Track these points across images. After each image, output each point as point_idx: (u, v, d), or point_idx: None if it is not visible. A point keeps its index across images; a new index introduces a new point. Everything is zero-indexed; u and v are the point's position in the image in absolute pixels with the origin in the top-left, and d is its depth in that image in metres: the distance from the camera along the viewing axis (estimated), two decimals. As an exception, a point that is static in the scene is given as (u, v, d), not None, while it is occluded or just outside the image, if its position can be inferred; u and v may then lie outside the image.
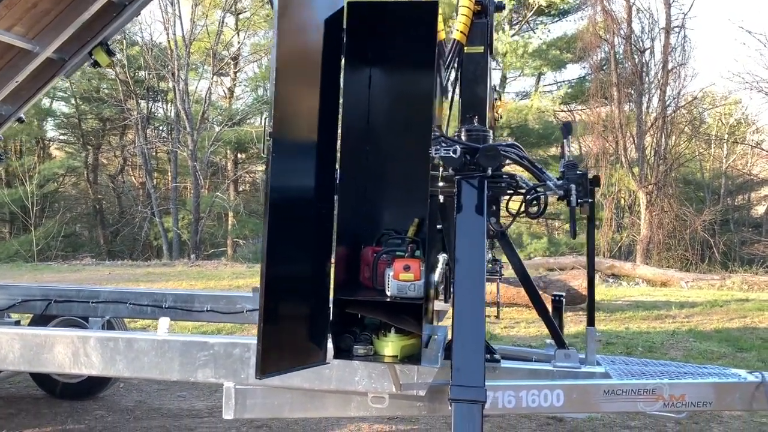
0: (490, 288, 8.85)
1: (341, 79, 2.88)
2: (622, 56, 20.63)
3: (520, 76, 25.59)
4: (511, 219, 4.02)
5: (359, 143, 3.02)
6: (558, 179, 3.78)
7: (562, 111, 25.45)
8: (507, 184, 3.85)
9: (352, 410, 3.39)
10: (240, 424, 4.71)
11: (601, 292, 12.10)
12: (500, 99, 6.48)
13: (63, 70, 5.29)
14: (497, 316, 9.15)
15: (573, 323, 8.91)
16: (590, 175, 3.73)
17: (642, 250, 18.51)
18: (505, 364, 3.89)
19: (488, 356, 3.84)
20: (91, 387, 5.23)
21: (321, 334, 2.82)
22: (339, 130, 2.89)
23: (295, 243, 2.61)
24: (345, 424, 4.76)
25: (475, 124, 3.95)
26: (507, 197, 3.93)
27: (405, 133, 3.11)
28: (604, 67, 21.08)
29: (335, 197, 2.86)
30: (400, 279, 2.94)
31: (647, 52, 20.42)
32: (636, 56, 20.27)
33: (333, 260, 2.96)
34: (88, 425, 4.79)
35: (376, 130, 3.07)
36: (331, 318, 2.87)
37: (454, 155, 2.91)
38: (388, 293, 2.95)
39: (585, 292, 9.43)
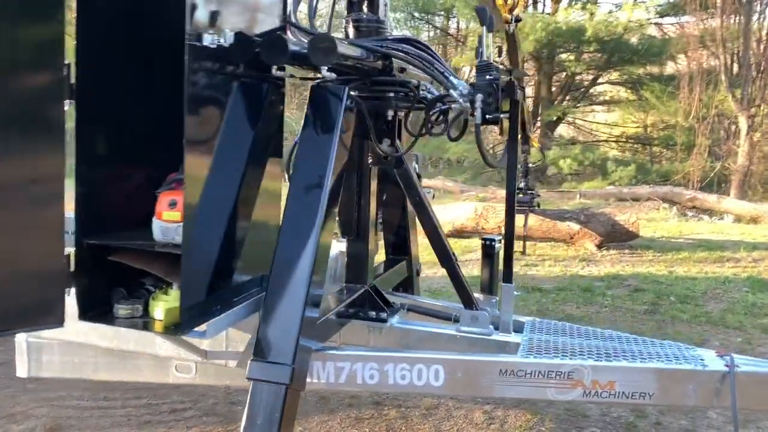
0: (519, 221, 7.83)
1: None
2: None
3: (616, -16, 23.04)
4: (412, 140, 3.11)
5: (108, 32, 2.19)
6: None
7: (668, 24, 22.84)
8: (404, 95, 2.94)
9: (171, 377, 2.73)
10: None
11: (665, 227, 10.75)
12: (516, -6, 5.41)
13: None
14: (522, 252, 8.19)
15: (610, 263, 7.84)
16: (504, 81, 2.74)
17: (737, 182, 16.51)
18: (398, 324, 3.08)
19: (373, 314, 3.04)
20: None
21: (49, 288, 2.11)
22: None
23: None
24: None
25: (365, 14, 3.01)
26: (406, 111, 3.03)
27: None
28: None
29: (66, 102, 2.08)
30: (164, 219, 2.18)
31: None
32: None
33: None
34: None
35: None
36: (72, 268, 2.17)
37: (223, 43, 2.04)
38: (154, 237, 2.21)
39: (632, 228, 8.30)
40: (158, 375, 2.73)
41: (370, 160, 3.03)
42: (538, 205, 9.11)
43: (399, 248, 3.81)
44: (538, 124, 23.21)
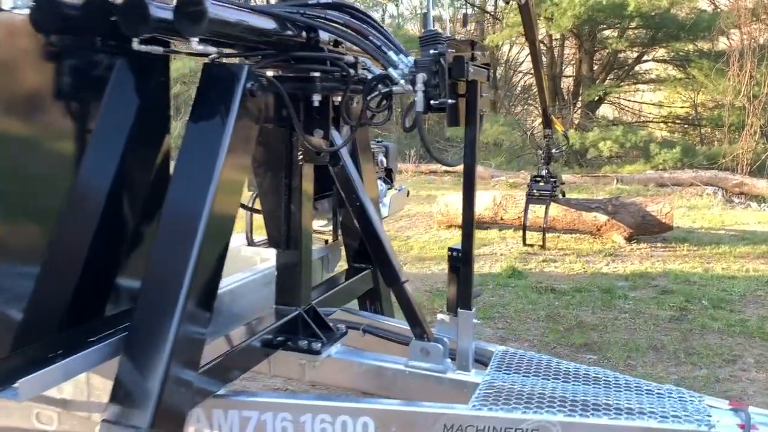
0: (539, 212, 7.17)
1: None
2: None
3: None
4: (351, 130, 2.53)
5: None
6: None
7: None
8: (339, 75, 2.37)
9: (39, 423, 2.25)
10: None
11: (706, 216, 9.89)
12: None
13: None
14: (542, 246, 7.53)
15: (639, 259, 7.13)
16: (451, 56, 2.14)
17: (791, 165, 15.37)
18: (337, 354, 2.54)
19: (305, 343, 2.49)
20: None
21: None
22: None
23: None
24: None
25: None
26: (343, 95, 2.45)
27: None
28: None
29: None
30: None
31: None
32: None
33: None
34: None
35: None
36: None
37: (22, 6, 1.51)
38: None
39: (666, 220, 7.56)
40: (25, 421, 2.25)
41: (301, 156, 2.48)
42: (563, 194, 8.42)
43: (363, 255, 3.25)
44: (579, 104, 22.29)
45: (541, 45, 22.80)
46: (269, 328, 2.42)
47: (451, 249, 2.85)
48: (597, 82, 22.10)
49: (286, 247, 2.55)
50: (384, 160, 3.39)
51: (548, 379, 2.36)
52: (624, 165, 19.23)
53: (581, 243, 7.86)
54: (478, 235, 8.13)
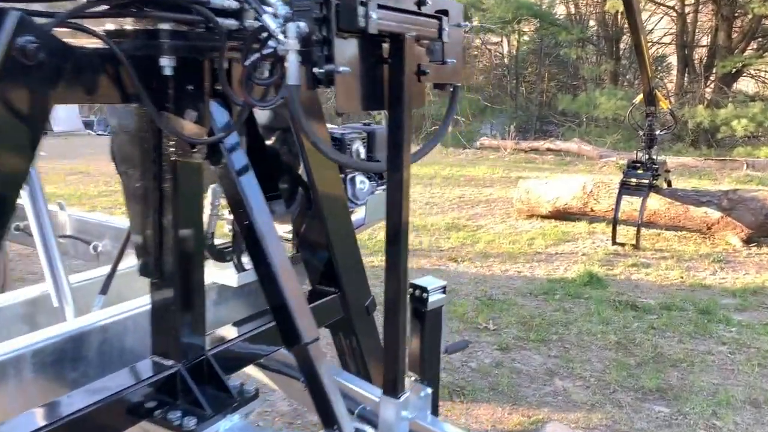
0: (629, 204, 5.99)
1: None
2: None
3: None
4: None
5: None
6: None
7: None
8: (205, 29, 1.56)
9: None
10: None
11: None
12: None
13: None
14: (635, 245, 6.35)
15: (755, 268, 5.86)
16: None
17: None
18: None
19: (177, 415, 1.74)
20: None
21: None
22: None
23: None
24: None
25: None
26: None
27: None
28: None
29: None
30: None
31: None
32: None
33: None
34: None
35: None
36: None
37: None
38: None
39: (796, 221, 6.19)
40: None
41: (172, 150, 1.70)
42: (669, 183, 7.16)
43: (328, 276, 2.46)
44: (712, 77, 20.09)
45: (672, 11, 20.64)
46: (124, 391, 1.70)
47: (414, 285, 2.01)
48: (735, 52, 19.75)
49: (159, 277, 1.80)
50: (361, 150, 2.55)
51: None
52: (760, 147, 17.14)
53: (685, 244, 6.60)
54: (562, 228, 7.05)
